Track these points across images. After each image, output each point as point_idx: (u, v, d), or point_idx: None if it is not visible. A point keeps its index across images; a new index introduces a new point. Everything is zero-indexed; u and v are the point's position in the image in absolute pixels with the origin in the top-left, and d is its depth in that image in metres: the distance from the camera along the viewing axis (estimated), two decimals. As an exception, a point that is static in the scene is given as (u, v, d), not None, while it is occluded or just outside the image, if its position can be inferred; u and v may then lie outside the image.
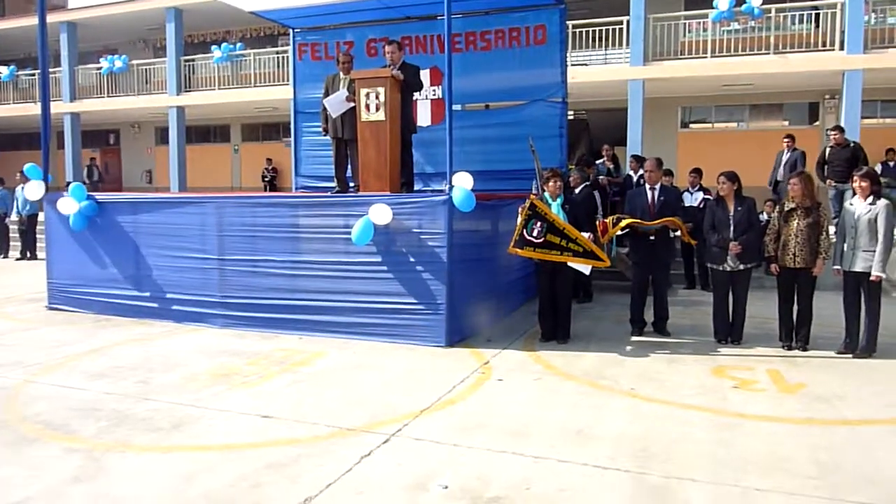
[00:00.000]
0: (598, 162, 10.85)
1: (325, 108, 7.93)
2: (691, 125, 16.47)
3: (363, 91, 7.09)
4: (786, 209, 6.17)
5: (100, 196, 8.07)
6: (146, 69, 19.69)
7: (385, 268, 6.48)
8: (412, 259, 6.39)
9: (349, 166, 8.08)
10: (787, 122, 15.78)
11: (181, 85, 18.71)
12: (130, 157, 23.27)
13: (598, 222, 6.49)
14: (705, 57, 13.70)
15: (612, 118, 15.22)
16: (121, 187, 22.59)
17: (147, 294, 7.59)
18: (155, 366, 5.68)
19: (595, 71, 14.57)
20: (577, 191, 8.47)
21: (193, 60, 18.92)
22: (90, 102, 20.11)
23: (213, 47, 18.43)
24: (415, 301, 6.37)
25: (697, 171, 10.06)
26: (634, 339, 6.70)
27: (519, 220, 6.27)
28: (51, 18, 19.15)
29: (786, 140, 10.99)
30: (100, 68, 19.82)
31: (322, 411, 4.51)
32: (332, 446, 3.90)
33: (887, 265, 5.80)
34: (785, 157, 10.82)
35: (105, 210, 7.86)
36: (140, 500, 3.27)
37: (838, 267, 6.08)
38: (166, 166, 19.38)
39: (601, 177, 10.22)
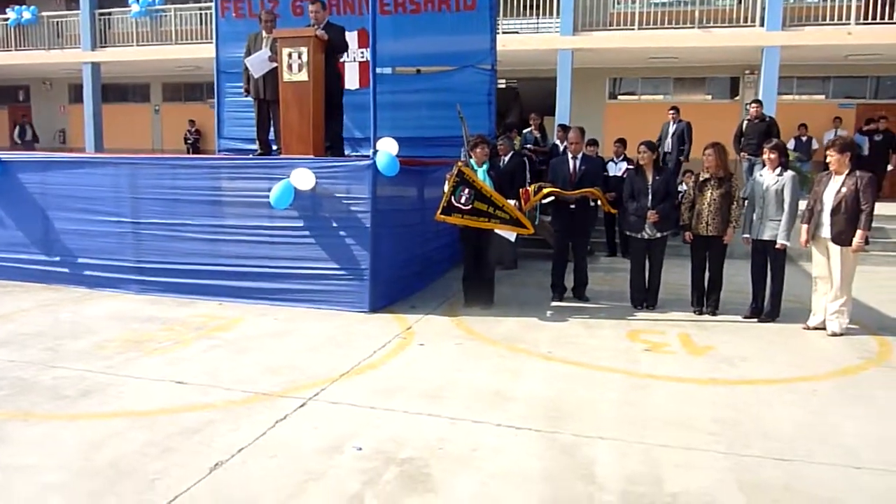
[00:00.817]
0: (525, 131, 10.93)
1: (247, 69, 7.67)
2: (619, 97, 16.78)
3: (285, 51, 6.87)
4: (700, 179, 6.39)
5: (3, 155, 7.59)
6: (58, 21, 18.47)
7: (308, 233, 6.38)
8: (336, 224, 6.31)
9: (272, 128, 7.86)
10: (709, 96, 16.28)
11: (96, 40, 17.65)
12: (42, 115, 21.90)
13: (521, 190, 6.55)
14: (633, 29, 13.92)
15: (543, 87, 15.32)
16: (32, 147, 21.32)
17: (57, 259, 7.25)
18: (63, 333, 5.45)
19: (526, 39, 14.58)
20: (505, 159, 8.51)
21: (110, 14, 17.86)
22: (-5, 55, 18.78)
23: (131, 1, 17.43)
24: (338, 267, 6.31)
25: (621, 142, 10.29)
26: (555, 304, 6.85)
27: (446, 186, 6.27)
28: (-51, -38, 17.81)
29: (671, 112, 11.37)
30: (6, 19, 18.47)
31: (238, 377, 4.44)
32: (246, 411, 3.85)
33: (791, 234, 6.11)
34: (672, 129, 11.17)
35: (10, 170, 7.41)
36: (45, 469, 3.15)
37: (747, 235, 6.35)
38: (81, 126, 18.36)
39: (527, 145, 10.30)
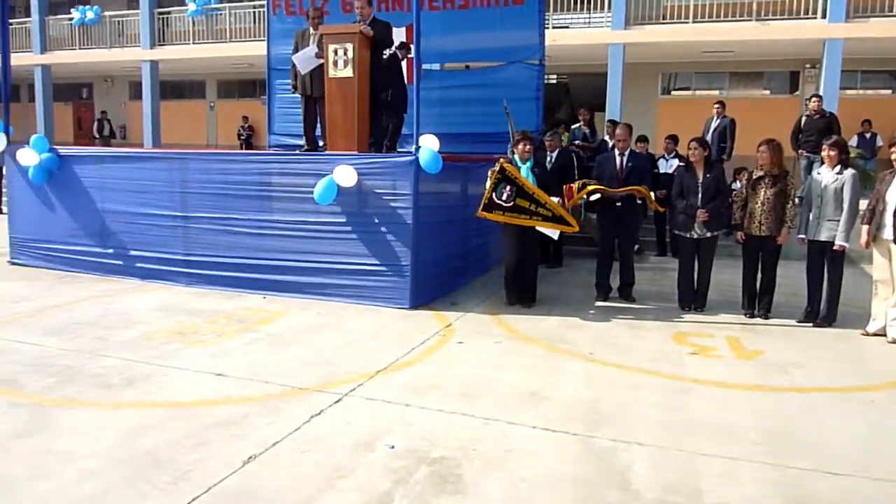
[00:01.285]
0: (574, 126, 10.75)
1: (294, 65, 7.75)
2: (672, 92, 16.38)
3: (331, 47, 6.92)
4: (754, 177, 6.15)
5: (62, 149, 7.86)
6: (119, 21, 19.13)
7: (351, 228, 6.40)
8: (378, 220, 6.31)
9: (319, 124, 7.93)
10: (767, 91, 15.75)
11: (155, 38, 18.21)
12: (104, 111, 22.73)
13: (564, 187, 6.43)
14: (687, 22, 13.56)
15: (594, 83, 15.08)
16: (94, 142, 22.14)
17: (111, 251, 7.47)
18: (113, 323, 5.61)
19: (576, 34, 14.36)
20: (552, 155, 8.39)
21: (168, 13, 18.41)
22: (61, 54, 19.56)
23: (188, 0, 17.89)
24: (380, 263, 6.32)
25: (672, 138, 10.01)
26: (599, 304, 6.72)
27: (488, 183, 6.21)
28: (19, -35, 18.62)
29: (716, 106, 10.77)
30: (71, 19, 19.22)
31: (277, 371, 4.48)
32: (282, 405, 3.88)
33: (851, 235, 5.83)
34: (714, 124, 10.62)
35: (68, 163, 7.67)
36: (83, 455, 3.23)
37: (803, 236, 6.10)
38: (141, 122, 18.97)
39: (576, 141, 10.13)
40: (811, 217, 5.99)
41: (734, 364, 4.90)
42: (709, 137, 10.45)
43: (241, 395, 4.03)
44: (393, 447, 3.36)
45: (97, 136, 19.21)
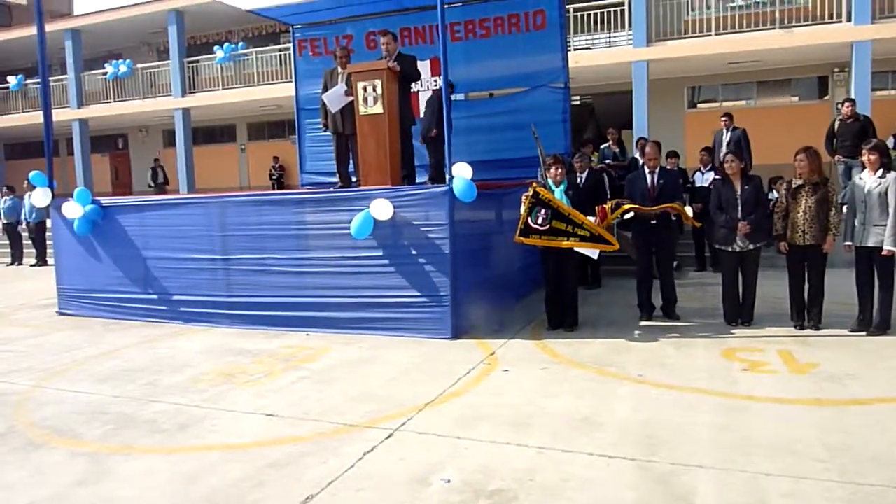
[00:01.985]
0: (603, 146, 10.73)
1: (324, 104, 7.90)
2: (699, 104, 16.27)
3: (360, 84, 7.04)
4: (793, 186, 6.05)
5: (105, 200, 8.09)
6: (151, 72, 19.77)
7: (388, 261, 6.45)
8: (415, 252, 6.34)
9: (351, 160, 8.04)
10: (796, 98, 15.55)
11: (186, 87, 18.76)
12: (139, 160, 23.39)
13: (597, 208, 6.39)
14: (710, 35, 13.51)
15: (618, 101, 15.07)
16: (131, 190, 22.74)
17: (154, 296, 7.62)
18: (161, 367, 5.70)
19: (599, 54, 14.40)
20: (582, 176, 8.38)
21: (197, 62, 18.97)
22: (97, 108, 20.24)
23: (216, 48, 18.44)
24: (419, 294, 6.33)
25: (708, 150, 9.88)
26: (643, 324, 6.62)
27: (522, 208, 6.22)
28: (56, 26, 19.40)
29: (723, 119, 10.44)
30: (105, 73, 19.92)
31: (326, 408, 4.49)
32: (334, 443, 3.88)
33: None
34: (726, 137, 10.24)
35: (110, 213, 7.88)
36: (143, 502, 3.27)
37: (849, 243, 5.96)
38: (174, 168, 19.47)
39: (606, 160, 10.10)
40: (857, 223, 5.86)
41: (789, 378, 4.78)
42: (724, 149, 10.21)
43: (293, 435, 4.04)
44: (449, 481, 3.33)
45: (152, 183, 19.68)
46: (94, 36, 20.63)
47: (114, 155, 24.13)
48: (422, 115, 9.34)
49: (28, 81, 21.46)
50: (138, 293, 7.71)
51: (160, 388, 5.13)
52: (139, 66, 19.82)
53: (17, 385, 5.34)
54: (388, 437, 3.94)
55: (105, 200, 8.11)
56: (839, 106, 10.24)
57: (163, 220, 7.60)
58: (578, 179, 8.09)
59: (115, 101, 19.98)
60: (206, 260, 7.28)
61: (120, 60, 19.88)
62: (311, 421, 4.26)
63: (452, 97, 8.22)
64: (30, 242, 14.44)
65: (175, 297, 7.48)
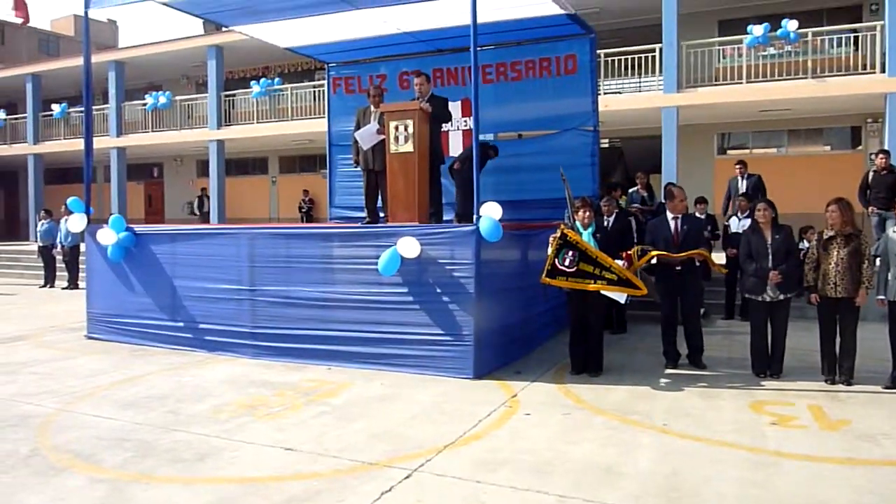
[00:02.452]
0: (631, 190, 10.72)
1: (356, 141, 8.03)
2: (729, 151, 16.20)
3: (392, 123, 7.17)
4: (825, 237, 5.97)
5: (137, 228, 8.26)
6: (188, 104, 20.31)
7: (413, 298, 6.46)
8: (440, 290, 6.35)
9: (380, 197, 8.13)
10: (828, 147, 15.42)
11: (221, 119, 19.22)
12: (173, 189, 23.92)
13: (622, 254, 6.34)
14: (741, 82, 13.53)
15: (647, 145, 15.08)
16: (163, 219, 23.19)
17: (181, 324, 7.71)
18: (184, 396, 5.73)
19: (628, 99, 14.48)
20: (610, 220, 8.35)
21: (234, 95, 19.46)
22: (135, 137, 20.80)
23: (252, 82, 18.91)
24: (442, 332, 6.32)
25: (746, 196, 9.75)
26: (669, 371, 6.52)
27: (550, 249, 6.21)
28: (101, 58, 20.12)
29: (738, 166, 10.35)
30: (145, 104, 20.51)
31: (345, 444, 4.47)
32: (352, 481, 3.85)
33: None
34: (743, 185, 10.14)
35: (142, 241, 8.04)
36: (159, 534, 3.26)
37: (882, 297, 5.84)
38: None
39: (633, 205, 10.07)
40: (890, 277, 5.75)
41: (819, 435, 4.65)
42: (739, 197, 10.07)
43: (311, 471, 4.02)
44: (467, 526, 3.28)
45: (197, 212, 20.02)
46: (136, 68, 21.31)
47: (148, 183, 24.69)
48: (450, 153, 9.46)
49: (71, 110, 22.17)
50: (166, 320, 7.80)
51: (182, 416, 5.15)
52: (178, 97, 20.39)
53: (42, 407, 5.41)
54: (407, 477, 3.90)
55: (138, 228, 8.28)
56: (873, 157, 10.13)
57: (193, 249, 7.73)
58: (606, 223, 8.07)
59: (152, 131, 20.53)
60: (233, 290, 7.36)
61: (160, 92, 20.47)
62: (330, 457, 4.24)
63: (481, 137, 8.32)
64: (63, 265, 14.75)
65: (201, 326, 7.56)
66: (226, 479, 3.93)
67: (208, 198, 19.94)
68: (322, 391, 5.85)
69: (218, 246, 7.57)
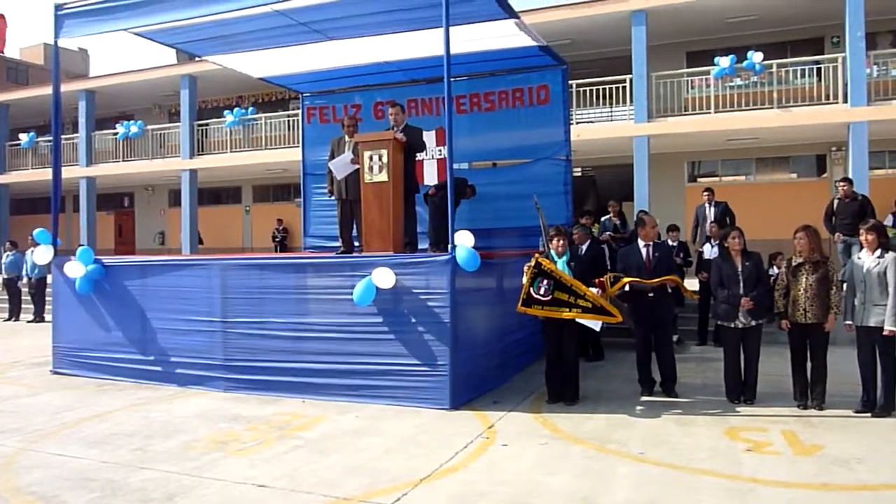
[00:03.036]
0: (604, 218, 10.83)
1: (330, 170, 8.02)
2: (699, 179, 16.49)
3: (367, 153, 7.18)
4: (793, 264, 6.07)
5: (106, 260, 8.11)
6: (161, 134, 20.16)
7: (388, 329, 6.41)
8: (415, 320, 6.32)
9: (354, 226, 8.11)
10: (794, 175, 15.78)
11: (194, 148, 19.10)
12: (144, 218, 23.61)
13: (595, 281, 6.39)
14: (709, 112, 13.83)
15: (619, 174, 15.31)
16: (134, 249, 22.85)
17: (151, 357, 7.55)
18: (153, 432, 5.58)
19: (600, 128, 14.72)
20: (583, 248, 8.42)
21: (207, 125, 19.37)
22: (106, 166, 20.55)
23: (226, 112, 18.87)
24: (418, 363, 6.27)
25: (717, 223, 9.91)
26: (645, 399, 6.52)
27: (525, 278, 6.23)
28: (71, 87, 19.93)
29: (705, 193, 10.63)
30: (116, 133, 20.31)
31: (319, 479, 4.38)
32: (327, 518, 3.77)
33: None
34: (711, 212, 10.37)
35: (111, 273, 7.90)
36: (125, 579, 3.15)
37: (850, 322, 5.93)
38: (179, 228, 19.62)
39: (606, 233, 10.17)
40: (857, 302, 5.85)
41: (794, 461, 4.67)
42: (707, 226, 10.27)
43: (284, 508, 3.93)
44: (444, 563, 3.21)
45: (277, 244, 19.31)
46: (108, 97, 21.15)
47: (119, 213, 24.35)
48: (424, 182, 9.50)
49: (39, 139, 21.86)
50: (135, 354, 7.64)
51: (150, 453, 5.01)
52: (150, 127, 20.24)
53: (3, 447, 5.23)
54: (383, 513, 3.83)
55: (107, 260, 8.13)
56: (837, 185, 10.38)
57: (164, 280, 7.61)
58: (580, 251, 8.13)
59: (123, 161, 20.30)
60: (205, 322, 7.24)
61: (131, 121, 20.30)
62: (304, 493, 4.14)
63: (456, 166, 8.39)
64: (28, 298, 14.41)
65: (172, 359, 7.41)
66: (195, 518, 3.82)
67: (285, 229, 19.50)
68: (295, 425, 5.74)
69: (189, 277, 7.46)
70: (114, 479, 4.46)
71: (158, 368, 7.49)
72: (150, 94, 21.10)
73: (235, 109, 18.83)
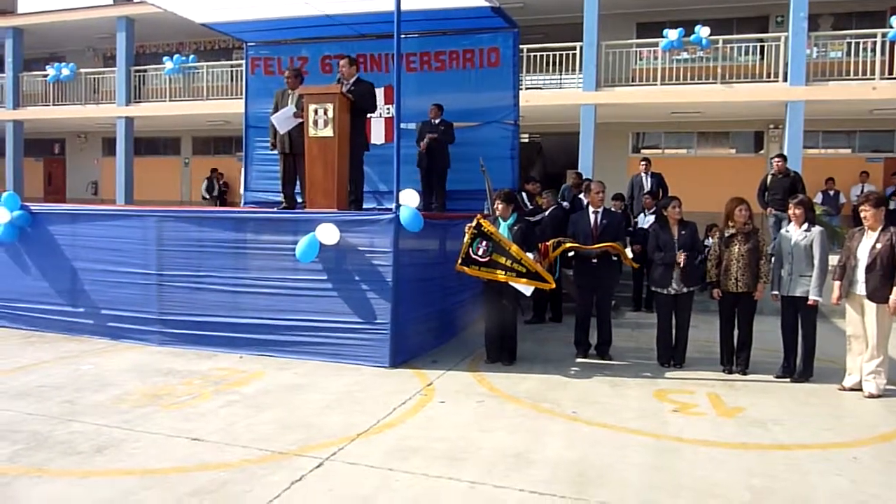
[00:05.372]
0: (564, 186, 11.00)
1: (273, 124, 7.81)
2: (642, 150, 16.78)
3: (312, 107, 7.00)
4: (726, 235, 6.28)
5: (34, 206, 7.74)
6: (95, 78, 19.16)
7: (330, 286, 6.36)
8: (358, 278, 6.29)
9: (298, 183, 7.95)
10: (733, 150, 16.24)
11: (131, 95, 18.25)
12: (76, 167, 22.56)
13: (539, 245, 6.49)
14: (655, 84, 14.02)
15: (565, 142, 15.42)
16: (65, 198, 21.88)
17: (81, 310, 7.30)
18: (83, 385, 5.43)
19: (549, 95, 14.75)
20: (547, 212, 8.57)
21: (144, 71, 18.51)
22: (35, 110, 19.46)
23: (165, 58, 18.06)
24: (359, 320, 6.26)
25: (652, 195, 10.19)
26: (580, 361, 6.70)
27: (465, 238, 6.27)
28: (-5, 23, 18.70)
29: (643, 163, 11.12)
30: (46, 76, 19.22)
31: (255, 434, 4.36)
32: (262, 471, 3.76)
33: (823, 290, 5.96)
34: (648, 181, 10.85)
35: (39, 220, 7.55)
36: (51, 530, 3.08)
37: (776, 292, 6.20)
38: (113, 178, 18.83)
39: (565, 201, 10.29)
40: (784, 273, 6.10)
41: (716, 421, 4.90)
42: (644, 194, 10.61)
43: (218, 461, 3.90)
44: (377, 514, 3.26)
45: (206, 195, 18.62)
46: (37, 36, 19.93)
47: (49, 160, 23.20)
48: (371, 140, 9.36)
49: (-39, 78, 20.53)
50: (64, 305, 7.37)
51: (80, 406, 4.88)
52: (83, 70, 19.20)
53: (-79, 397, 5.01)
54: (318, 466, 3.85)
55: (35, 206, 7.77)
56: (772, 161, 10.73)
57: (96, 230, 7.33)
58: (543, 215, 8.29)
59: (54, 105, 19.27)
60: (140, 274, 7.02)
61: (63, 63, 19.21)
62: (239, 447, 4.12)
63: (403, 126, 8.30)
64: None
65: (103, 312, 7.18)
66: (125, 471, 3.75)
67: (218, 179, 18.67)
68: (232, 380, 5.68)
69: (124, 228, 7.20)
70: (39, 432, 4.33)
71: (89, 321, 7.26)
72: (85, 35, 19.96)
73: (175, 56, 18.01)
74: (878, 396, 5.54)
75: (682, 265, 6.27)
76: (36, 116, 19.49)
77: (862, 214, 5.70)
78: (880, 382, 5.60)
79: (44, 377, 5.66)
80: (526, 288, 6.24)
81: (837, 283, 5.81)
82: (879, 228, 5.61)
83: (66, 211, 7.77)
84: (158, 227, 7.02)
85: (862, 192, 12.05)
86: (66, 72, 18.84)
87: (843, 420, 5.04)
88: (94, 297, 7.24)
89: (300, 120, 7.28)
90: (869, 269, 5.55)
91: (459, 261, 6.26)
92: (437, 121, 9.39)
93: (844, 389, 5.78)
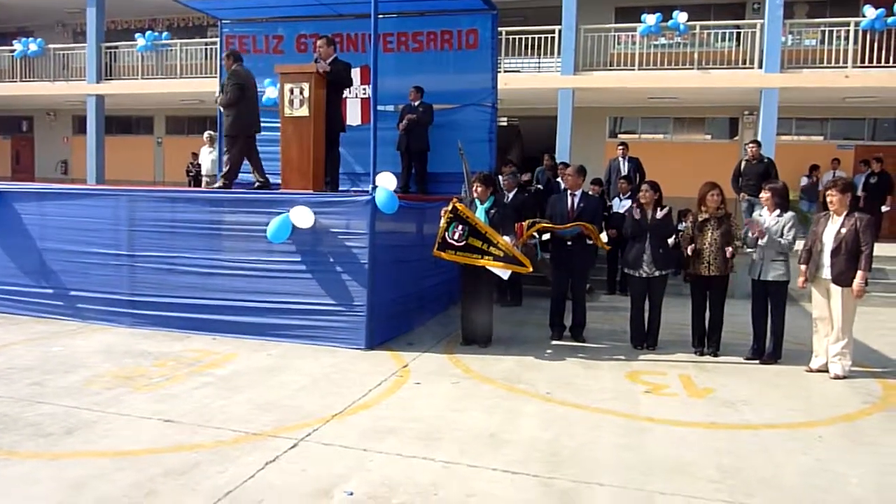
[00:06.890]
0: (538, 169, 11.00)
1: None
2: (619, 135, 16.87)
3: (287, 86, 6.92)
4: (700, 219, 6.35)
5: (1, 185, 7.57)
6: (64, 54, 18.68)
7: (305, 268, 6.32)
8: (333, 259, 6.25)
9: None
10: (708, 136, 16.39)
11: (101, 72, 17.83)
12: (45, 146, 22.07)
13: (515, 225, 6.50)
14: (633, 69, 14.06)
15: (544, 125, 15.43)
16: (33, 177, 21.41)
17: (51, 291, 7.18)
18: (53, 367, 5.35)
19: (527, 78, 14.73)
20: (510, 195, 8.53)
21: (116, 48, 18.09)
22: (1, 86, 18.96)
23: (138, 35, 17.65)
24: (335, 302, 6.24)
25: (627, 179, 10.26)
26: (554, 343, 6.76)
27: (442, 222, 6.25)
28: (-41, -5, 18.11)
29: (620, 148, 11.29)
30: (13, 51, 18.70)
31: (229, 416, 4.34)
32: (235, 452, 3.75)
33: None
34: (625, 166, 11.05)
35: (6, 199, 7.39)
36: (20, 511, 3.05)
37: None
38: (84, 157, 18.45)
39: (538, 186, 10.31)
40: (755, 257, 6.20)
41: (687, 402, 4.98)
42: (620, 178, 10.70)
43: (192, 443, 3.88)
44: (352, 494, 3.27)
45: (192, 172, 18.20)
46: (4, 10, 19.41)
47: (16, 138, 22.67)
48: (347, 121, 9.27)
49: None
50: (33, 287, 7.24)
51: (49, 388, 4.82)
52: (51, 46, 18.71)
53: None
54: (292, 447, 3.84)
55: (2, 185, 7.59)
56: (746, 147, 10.85)
57: (65, 210, 7.19)
58: (506, 198, 8.23)
59: (21, 81, 18.78)
60: (111, 255, 6.92)
61: (30, 38, 18.69)
62: (212, 428, 4.10)
63: (381, 108, 8.22)
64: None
65: (73, 293, 7.07)
66: (97, 452, 3.72)
67: (195, 157, 18.24)
68: (206, 362, 5.63)
69: (95, 207, 7.07)
70: (7, 414, 4.27)
71: (59, 303, 7.14)
72: (53, 9, 19.44)
73: (148, 33, 17.63)
74: (844, 378, 5.67)
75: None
76: (2, 93, 18.99)
77: (828, 199, 5.79)
78: (845, 364, 5.73)
79: (12, 359, 5.57)
80: (503, 272, 6.25)
81: (803, 266, 5.92)
82: (845, 213, 5.71)
83: (35, 190, 7.60)
84: (130, 207, 6.91)
85: (835, 178, 12.27)
86: (33, 47, 18.33)
87: (810, 401, 5.16)
88: (64, 278, 7.12)
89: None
90: (834, 253, 5.65)
91: (436, 246, 6.24)
92: (416, 103, 9.34)
93: (811, 371, 5.90)
